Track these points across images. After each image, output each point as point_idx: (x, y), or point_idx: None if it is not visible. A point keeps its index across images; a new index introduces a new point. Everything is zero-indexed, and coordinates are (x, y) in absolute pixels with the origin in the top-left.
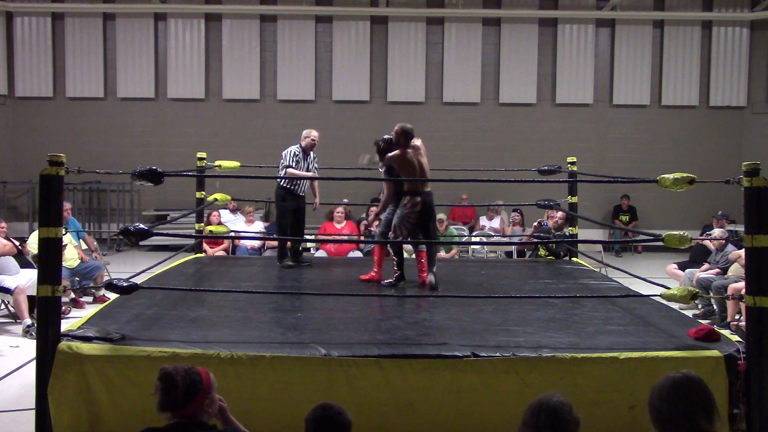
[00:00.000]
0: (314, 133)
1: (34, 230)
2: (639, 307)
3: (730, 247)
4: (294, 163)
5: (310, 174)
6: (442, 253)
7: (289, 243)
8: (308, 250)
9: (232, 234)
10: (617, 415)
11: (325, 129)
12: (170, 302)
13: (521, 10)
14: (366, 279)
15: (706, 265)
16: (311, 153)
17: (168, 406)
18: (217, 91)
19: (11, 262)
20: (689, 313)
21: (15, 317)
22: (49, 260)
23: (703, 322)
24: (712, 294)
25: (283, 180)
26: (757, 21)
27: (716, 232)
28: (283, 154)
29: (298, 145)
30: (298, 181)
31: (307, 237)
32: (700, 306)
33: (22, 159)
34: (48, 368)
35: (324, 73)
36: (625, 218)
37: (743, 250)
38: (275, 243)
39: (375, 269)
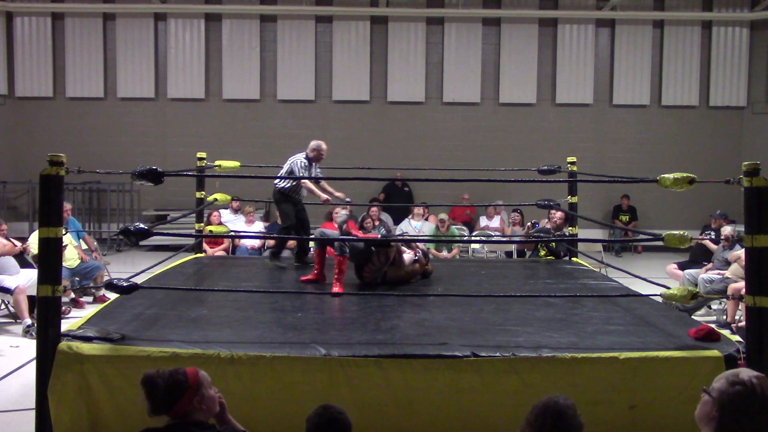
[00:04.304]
0: (324, 147)
1: (34, 230)
2: (639, 307)
3: (738, 245)
4: (306, 175)
5: (332, 195)
6: (443, 253)
7: (291, 243)
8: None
9: (232, 234)
10: (617, 415)
11: (325, 129)
12: (170, 302)
13: (521, 10)
14: (308, 280)
15: (709, 265)
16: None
17: (155, 409)
18: (217, 91)
19: (11, 262)
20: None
21: (15, 317)
22: (49, 260)
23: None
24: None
25: (284, 185)
26: (757, 21)
27: (727, 229)
28: (292, 163)
29: (305, 154)
30: (300, 189)
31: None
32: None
33: (22, 159)
34: (48, 368)
35: (324, 73)
36: (625, 218)
37: (742, 250)
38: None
39: (316, 269)
